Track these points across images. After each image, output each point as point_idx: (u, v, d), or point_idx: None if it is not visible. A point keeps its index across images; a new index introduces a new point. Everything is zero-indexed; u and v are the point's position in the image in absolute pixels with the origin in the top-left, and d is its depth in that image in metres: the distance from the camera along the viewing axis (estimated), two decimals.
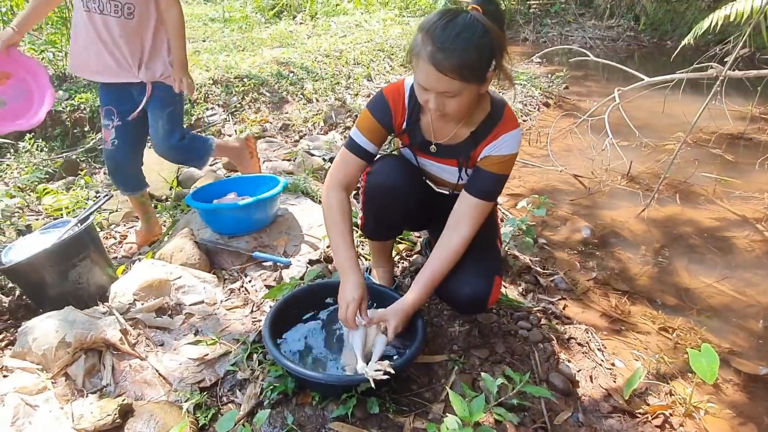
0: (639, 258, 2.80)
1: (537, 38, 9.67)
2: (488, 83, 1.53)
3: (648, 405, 1.79)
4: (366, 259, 2.30)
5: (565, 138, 4.50)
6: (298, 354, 1.71)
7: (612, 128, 3.96)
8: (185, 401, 1.55)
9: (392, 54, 6.04)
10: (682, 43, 3.27)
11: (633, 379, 1.79)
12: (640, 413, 1.75)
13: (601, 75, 7.24)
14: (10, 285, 2.09)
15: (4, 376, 1.64)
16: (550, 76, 6.25)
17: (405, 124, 1.73)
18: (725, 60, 3.99)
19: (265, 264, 2.23)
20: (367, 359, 1.59)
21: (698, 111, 3.05)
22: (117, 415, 1.45)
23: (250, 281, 2.16)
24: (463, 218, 1.68)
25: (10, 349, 1.76)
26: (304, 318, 1.85)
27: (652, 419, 1.73)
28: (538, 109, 5.34)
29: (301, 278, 2.13)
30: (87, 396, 1.57)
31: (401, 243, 2.46)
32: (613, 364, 1.99)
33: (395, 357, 1.60)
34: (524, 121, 5.00)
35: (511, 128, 1.63)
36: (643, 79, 4.02)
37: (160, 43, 2.29)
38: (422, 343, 1.66)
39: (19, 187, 2.93)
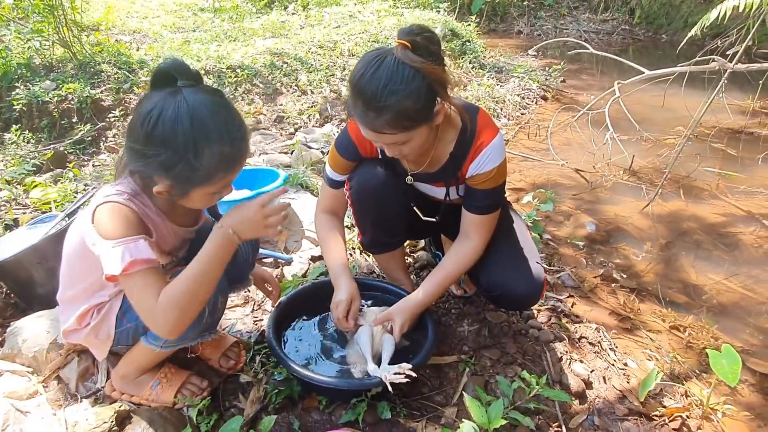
0: (645, 254, 2.75)
1: (531, 31, 9.60)
2: (439, 115, 1.42)
3: (664, 407, 1.73)
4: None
5: (565, 131, 4.44)
6: (300, 355, 1.63)
7: (611, 122, 3.91)
8: (186, 406, 1.47)
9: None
10: (689, 34, 3.20)
11: (648, 381, 1.73)
12: (656, 416, 1.70)
13: (596, 68, 7.20)
14: None
15: None
16: (547, 69, 6.19)
17: (379, 151, 1.65)
18: (726, 54, 3.96)
19: (265, 260, 2.14)
20: (376, 360, 1.52)
21: (697, 105, 3.02)
22: (114, 422, 1.37)
23: (250, 278, 2.07)
24: (471, 230, 1.65)
25: None
26: (306, 317, 1.77)
27: (669, 422, 1.68)
28: (536, 103, 5.28)
29: (303, 275, 2.05)
30: (81, 401, 1.48)
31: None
32: (625, 364, 1.94)
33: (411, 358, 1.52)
34: (522, 114, 4.94)
35: (490, 139, 1.53)
36: (644, 72, 3.96)
37: None
38: (434, 342, 1.60)
39: (6, 180, 2.80)
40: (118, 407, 1.41)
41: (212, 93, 1.17)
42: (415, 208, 1.75)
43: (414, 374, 1.42)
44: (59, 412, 1.44)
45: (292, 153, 3.29)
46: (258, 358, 1.67)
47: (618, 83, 4.12)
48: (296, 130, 3.99)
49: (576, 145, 4.21)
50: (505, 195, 1.97)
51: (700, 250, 2.78)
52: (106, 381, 1.52)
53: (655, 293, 2.43)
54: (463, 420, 1.42)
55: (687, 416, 1.70)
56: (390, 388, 1.40)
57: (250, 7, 8.02)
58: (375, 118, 1.32)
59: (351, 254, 2.29)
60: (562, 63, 6.20)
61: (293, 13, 7.51)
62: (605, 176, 3.62)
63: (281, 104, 4.34)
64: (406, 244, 2.37)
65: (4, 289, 1.95)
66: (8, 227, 2.31)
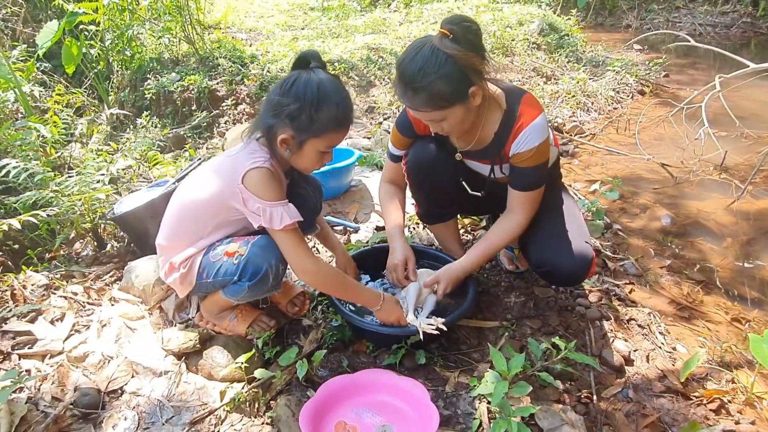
0: (721, 250, 2.68)
1: (641, 25, 9.14)
2: (477, 97, 1.55)
3: (705, 389, 1.75)
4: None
5: (658, 127, 4.30)
6: (354, 306, 1.84)
7: (712, 118, 3.74)
8: (256, 338, 1.75)
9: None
10: None
11: (691, 362, 1.75)
12: (695, 396, 1.72)
13: (712, 63, 6.76)
14: (121, 234, 2.41)
15: (112, 305, 1.94)
16: (648, 63, 5.95)
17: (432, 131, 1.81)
18: None
19: (336, 228, 2.41)
20: (416, 313, 1.71)
21: None
22: (197, 342, 1.68)
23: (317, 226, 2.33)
24: (516, 206, 1.77)
25: (118, 284, 2.06)
26: (363, 275, 2.00)
27: (707, 403, 1.70)
28: (632, 97, 5.13)
29: (367, 242, 2.28)
30: (175, 326, 1.82)
31: (466, 218, 2.53)
32: (674, 348, 1.96)
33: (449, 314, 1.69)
34: (615, 108, 4.83)
35: (530, 120, 1.63)
36: (748, 66, 3.75)
37: None
38: (471, 304, 1.75)
39: (135, 158, 3.30)
40: (202, 331, 1.72)
41: (334, 75, 1.54)
42: (464, 183, 1.91)
43: (445, 328, 1.60)
44: (158, 332, 1.79)
45: (372, 138, 3.55)
46: (319, 307, 1.93)
47: (719, 77, 3.92)
48: (385, 119, 4.25)
49: (668, 140, 4.08)
50: (562, 179, 2.07)
51: None
52: (196, 313, 1.84)
53: (724, 287, 2.37)
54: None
55: (728, 400, 1.71)
56: (422, 336, 1.59)
57: (356, 5, 8.42)
58: (412, 97, 1.52)
59: (414, 227, 2.49)
60: (664, 57, 5.93)
61: (395, 11, 7.79)
62: (693, 172, 3.50)
63: (373, 95, 4.61)
64: (467, 222, 2.53)
65: (126, 239, 2.38)
66: (132, 192, 2.76)
